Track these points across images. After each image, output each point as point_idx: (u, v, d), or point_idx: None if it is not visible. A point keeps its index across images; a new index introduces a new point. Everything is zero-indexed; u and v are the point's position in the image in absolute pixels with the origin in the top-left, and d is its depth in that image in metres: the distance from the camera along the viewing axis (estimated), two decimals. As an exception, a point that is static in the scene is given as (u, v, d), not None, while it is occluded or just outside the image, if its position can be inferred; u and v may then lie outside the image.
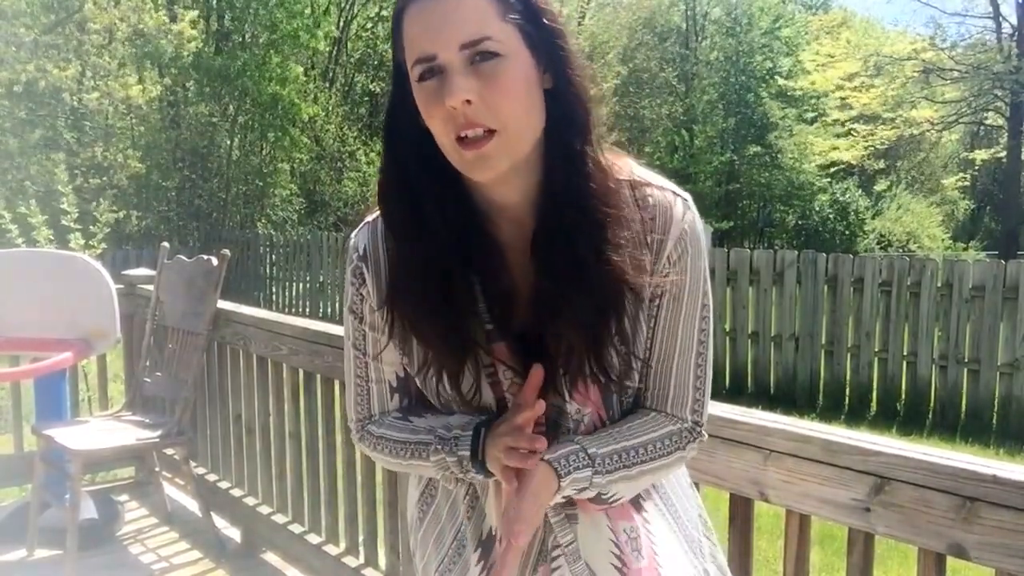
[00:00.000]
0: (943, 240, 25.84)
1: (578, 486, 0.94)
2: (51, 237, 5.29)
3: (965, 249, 24.27)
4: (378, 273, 1.02)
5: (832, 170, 25.94)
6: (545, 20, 0.90)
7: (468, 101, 0.85)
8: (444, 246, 0.94)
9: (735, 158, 26.42)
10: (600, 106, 0.95)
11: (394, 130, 0.96)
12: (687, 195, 1.00)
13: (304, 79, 17.91)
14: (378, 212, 1.03)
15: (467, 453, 0.96)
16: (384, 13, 21.39)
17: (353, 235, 1.05)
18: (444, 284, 0.94)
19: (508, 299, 0.97)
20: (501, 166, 0.89)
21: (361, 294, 1.04)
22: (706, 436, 1.06)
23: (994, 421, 6.44)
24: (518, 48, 0.88)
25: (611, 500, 0.99)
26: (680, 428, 1.03)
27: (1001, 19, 23.39)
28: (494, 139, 0.87)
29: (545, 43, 0.90)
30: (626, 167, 0.99)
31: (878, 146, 24.61)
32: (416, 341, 0.99)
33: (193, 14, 16.77)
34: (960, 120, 24.64)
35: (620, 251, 0.93)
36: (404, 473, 1.33)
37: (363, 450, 1.12)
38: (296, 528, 2.90)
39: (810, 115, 26.67)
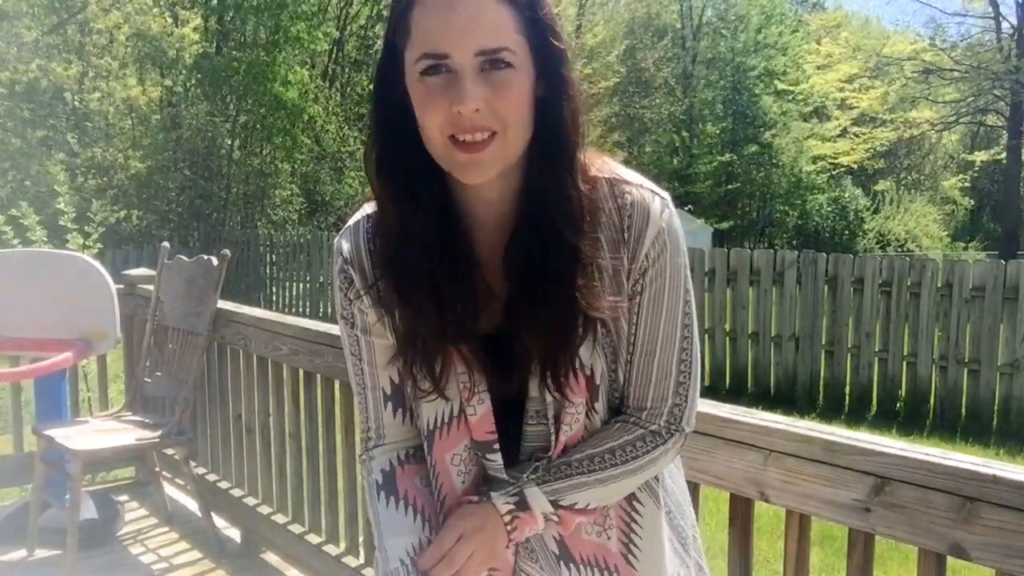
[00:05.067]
0: (942, 240, 25.84)
1: (515, 505, 1.00)
2: (45, 239, 5.29)
3: (965, 249, 24.29)
4: (363, 272, 1.02)
5: (833, 172, 25.94)
6: (551, 37, 0.91)
7: (476, 109, 0.86)
8: (416, 235, 0.95)
9: (734, 158, 26.42)
10: (589, 114, 0.97)
11: (381, 110, 0.96)
12: (665, 194, 1.00)
13: (307, 81, 17.91)
14: (359, 215, 1.05)
15: None
16: (385, 13, 21.39)
17: (336, 240, 1.06)
18: (440, 256, 0.96)
19: (473, 293, 0.97)
20: (492, 171, 0.90)
21: (349, 297, 1.05)
22: (688, 431, 1.05)
23: (994, 421, 6.45)
24: (526, 60, 0.89)
25: (576, 507, 1.01)
26: (645, 433, 1.03)
27: (1001, 19, 23.39)
28: (493, 143, 0.88)
29: (548, 57, 0.91)
30: (606, 166, 1.00)
31: (878, 148, 24.61)
32: (403, 316, 0.99)
33: (197, 20, 16.78)
34: (960, 120, 24.65)
35: (594, 267, 0.94)
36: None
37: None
38: (296, 528, 2.90)
39: (806, 110, 26.66)
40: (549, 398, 0.99)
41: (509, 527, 1.00)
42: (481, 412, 1.00)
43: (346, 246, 1.04)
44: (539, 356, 0.96)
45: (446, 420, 1.02)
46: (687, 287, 1.01)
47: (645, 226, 0.97)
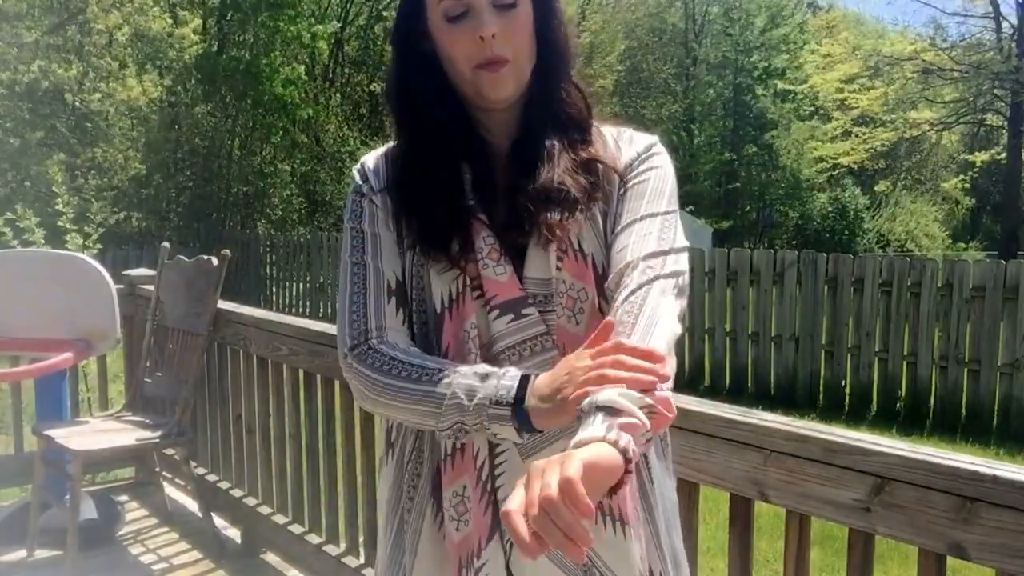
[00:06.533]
0: (942, 240, 25.84)
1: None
2: (43, 240, 5.29)
3: (965, 249, 24.28)
4: (377, 172, 1.16)
5: (833, 172, 25.92)
6: None
7: (494, 35, 1.06)
8: (441, 143, 1.12)
9: (734, 157, 26.41)
10: (576, 40, 1.20)
11: (405, 51, 1.14)
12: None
13: (305, 79, 17.90)
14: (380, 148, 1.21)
15: (512, 383, 0.97)
16: (385, 13, 21.41)
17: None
18: (439, 170, 1.11)
19: (491, 188, 1.11)
20: (511, 87, 1.10)
21: (362, 191, 1.16)
22: (686, 277, 1.06)
23: (994, 421, 6.44)
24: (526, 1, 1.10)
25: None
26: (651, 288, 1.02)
27: (1001, 19, 23.37)
28: (508, 66, 1.08)
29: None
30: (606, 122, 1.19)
31: (878, 148, 24.59)
32: (412, 217, 1.12)
33: (197, 21, 16.76)
34: (960, 120, 24.61)
35: (587, 147, 1.12)
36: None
37: (354, 377, 1.08)
38: (296, 528, 2.90)
39: (807, 110, 26.64)
40: (552, 274, 1.06)
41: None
42: (509, 271, 1.08)
43: (369, 155, 1.20)
44: (540, 222, 1.06)
45: (460, 290, 1.08)
46: (672, 198, 1.13)
47: (639, 137, 1.17)
